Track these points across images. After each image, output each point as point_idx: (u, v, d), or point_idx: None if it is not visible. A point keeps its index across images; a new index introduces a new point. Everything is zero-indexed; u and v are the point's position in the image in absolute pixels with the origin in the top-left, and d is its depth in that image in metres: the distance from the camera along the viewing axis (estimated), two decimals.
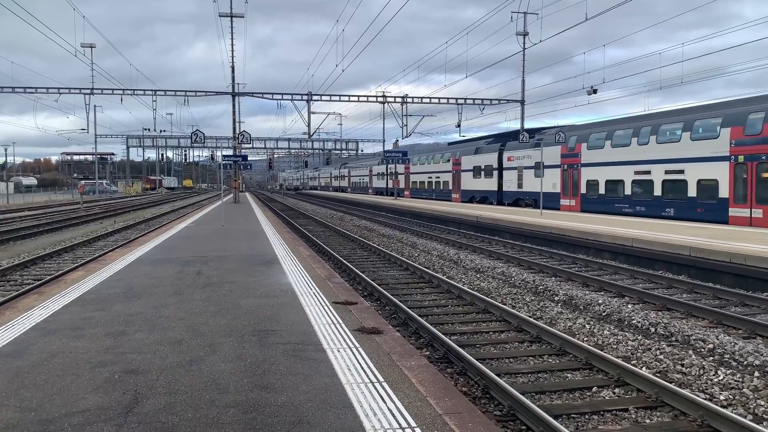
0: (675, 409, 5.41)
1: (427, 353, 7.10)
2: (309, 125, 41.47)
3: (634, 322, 8.72)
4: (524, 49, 37.04)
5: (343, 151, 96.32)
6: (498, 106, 42.38)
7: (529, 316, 8.80)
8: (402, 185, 53.12)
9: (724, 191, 19.30)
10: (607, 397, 5.82)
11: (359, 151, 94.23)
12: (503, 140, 36.81)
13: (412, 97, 43.24)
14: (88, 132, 44.11)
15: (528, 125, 39.08)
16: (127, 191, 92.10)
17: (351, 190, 75.13)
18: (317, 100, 41.10)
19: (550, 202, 27.59)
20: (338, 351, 5.36)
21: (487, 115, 44.30)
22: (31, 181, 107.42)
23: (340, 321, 6.53)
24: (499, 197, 35.25)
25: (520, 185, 32.64)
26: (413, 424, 3.80)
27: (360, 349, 5.43)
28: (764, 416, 5.36)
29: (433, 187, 47.06)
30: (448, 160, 43.65)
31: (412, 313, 8.66)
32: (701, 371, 6.53)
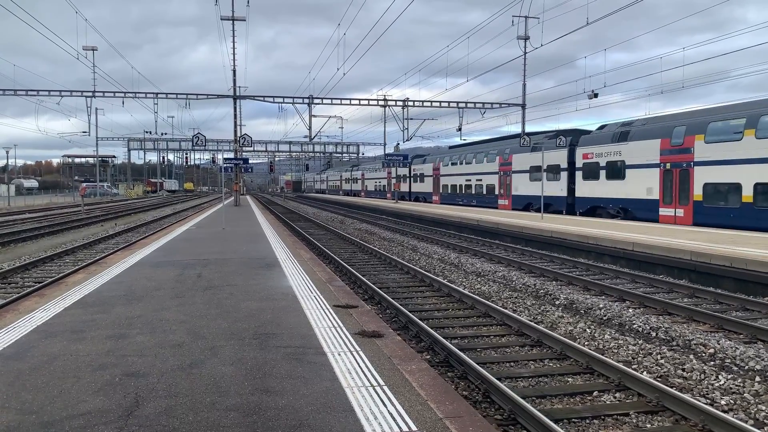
0: (676, 413, 5.41)
1: (428, 357, 7.10)
2: (310, 128, 41.51)
3: (635, 326, 8.71)
4: (525, 53, 37.07)
5: (344, 155, 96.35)
6: (499, 109, 42.39)
7: (530, 320, 8.80)
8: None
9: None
10: (608, 402, 5.81)
11: (360, 155, 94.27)
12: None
13: (413, 101, 43.26)
14: (89, 134, 44.25)
15: (529, 129, 39.08)
16: (128, 194, 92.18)
17: (441, 200, 43.91)
18: (318, 104, 41.09)
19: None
20: (339, 354, 5.36)
21: (488, 119, 44.42)
22: (32, 183, 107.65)
23: (341, 324, 6.53)
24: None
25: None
26: (414, 428, 3.80)
27: (361, 353, 5.43)
28: (765, 421, 5.35)
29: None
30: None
31: (412, 316, 8.66)
32: (702, 376, 6.53)
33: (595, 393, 5.99)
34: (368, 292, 11.19)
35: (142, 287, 8.72)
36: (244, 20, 37.21)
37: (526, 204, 32.03)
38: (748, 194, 18.49)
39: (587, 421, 5.34)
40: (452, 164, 43.57)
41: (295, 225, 28.09)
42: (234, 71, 37.67)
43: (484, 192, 38.28)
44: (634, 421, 5.35)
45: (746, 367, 6.81)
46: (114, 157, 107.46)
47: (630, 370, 6.33)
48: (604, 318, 9.30)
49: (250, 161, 32.48)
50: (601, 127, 28.24)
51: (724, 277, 11.62)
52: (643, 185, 23.20)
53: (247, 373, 4.77)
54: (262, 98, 40.27)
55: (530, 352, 7.48)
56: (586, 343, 7.85)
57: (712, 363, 7.04)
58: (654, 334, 8.33)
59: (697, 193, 20.45)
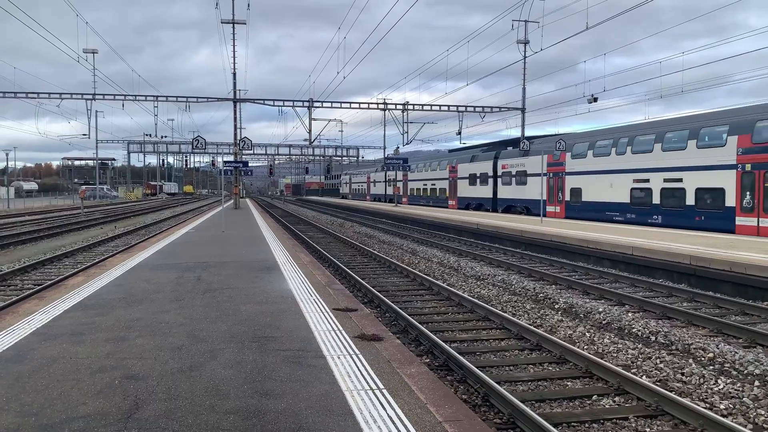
0: (675, 418, 5.41)
1: (428, 360, 7.10)
2: (310, 132, 41.62)
3: (634, 330, 8.71)
4: (525, 57, 37.17)
5: (344, 158, 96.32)
6: (499, 113, 42.49)
7: (530, 324, 8.80)
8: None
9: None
10: (607, 406, 5.81)
11: (360, 158, 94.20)
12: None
13: (413, 105, 43.41)
14: (89, 137, 44.29)
15: (529, 133, 39.18)
16: (127, 196, 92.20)
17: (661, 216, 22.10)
18: (318, 107, 41.21)
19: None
20: (338, 358, 5.36)
21: (488, 122, 44.37)
22: (32, 185, 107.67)
23: (340, 328, 6.53)
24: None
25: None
26: (413, 431, 3.80)
27: (360, 356, 5.44)
28: (764, 425, 5.35)
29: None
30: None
31: (412, 320, 8.66)
32: (701, 380, 6.53)
33: (595, 397, 5.99)
34: (368, 296, 11.19)
35: (142, 290, 8.73)
36: (245, 23, 37.33)
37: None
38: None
39: (586, 425, 5.34)
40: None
41: (295, 228, 28.09)
42: (234, 74, 37.77)
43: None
44: (634, 425, 5.35)
45: (745, 372, 6.81)
46: (114, 159, 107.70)
47: (629, 374, 6.33)
48: (604, 322, 9.31)
49: (249, 164, 32.55)
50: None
51: (724, 281, 11.62)
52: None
53: (247, 376, 4.78)
54: (262, 101, 40.35)
55: (529, 356, 7.48)
56: (585, 347, 7.85)
57: (712, 367, 7.04)
58: (653, 338, 8.33)
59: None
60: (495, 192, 34.68)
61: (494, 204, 34.77)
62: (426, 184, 47.59)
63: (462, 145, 45.94)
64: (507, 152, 33.37)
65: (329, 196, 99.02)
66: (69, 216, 38.41)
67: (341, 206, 52.79)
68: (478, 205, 37.23)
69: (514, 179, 32.46)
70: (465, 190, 38.87)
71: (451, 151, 49.33)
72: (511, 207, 32.47)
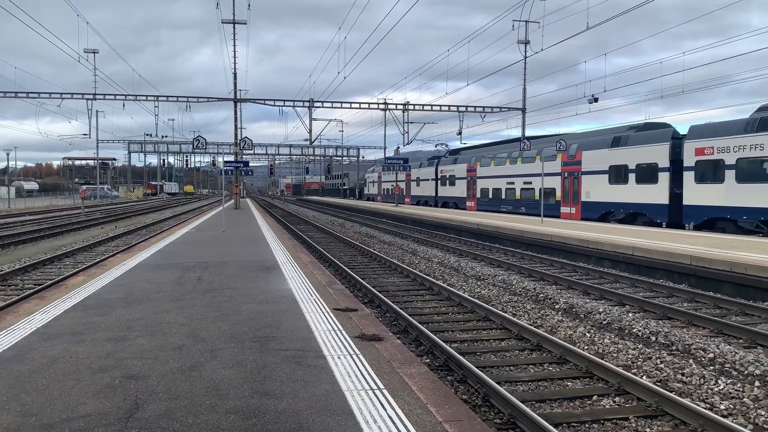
0: (675, 418, 5.41)
1: (428, 361, 7.10)
2: (310, 132, 41.64)
3: (634, 330, 8.71)
4: (525, 57, 37.19)
5: (344, 158, 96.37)
6: (499, 113, 42.51)
7: (530, 324, 8.80)
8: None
9: None
10: (607, 406, 5.81)
11: (360, 158, 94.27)
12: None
13: (413, 105, 43.46)
14: (90, 137, 44.35)
15: (529, 133, 39.17)
16: (128, 196, 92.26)
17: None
18: (319, 107, 41.23)
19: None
20: (339, 358, 5.36)
21: (488, 122, 44.29)
22: (32, 185, 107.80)
23: (341, 328, 6.53)
24: (672, 213, 21.65)
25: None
26: (413, 431, 3.80)
27: (360, 356, 5.44)
28: (764, 426, 5.35)
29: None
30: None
31: (412, 320, 8.66)
32: (702, 380, 6.53)
33: (595, 397, 5.99)
34: (368, 296, 11.19)
35: (142, 290, 8.73)
36: (245, 23, 37.39)
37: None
38: None
39: (587, 425, 5.34)
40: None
41: (295, 228, 28.10)
42: (235, 74, 37.81)
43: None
44: (634, 425, 5.35)
45: (746, 372, 6.81)
46: (114, 159, 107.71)
47: (629, 374, 6.33)
48: (604, 322, 9.30)
49: (250, 164, 32.58)
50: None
51: (724, 281, 11.62)
52: None
53: (247, 376, 4.78)
54: (262, 101, 40.38)
55: (530, 356, 7.48)
56: (585, 348, 7.85)
57: (712, 368, 7.04)
58: (653, 338, 8.33)
59: None
60: (674, 194, 21.57)
61: (672, 213, 21.62)
62: (512, 183, 33.04)
63: (463, 145, 45.92)
64: (710, 127, 20.29)
65: (330, 196, 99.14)
66: (69, 216, 38.42)
67: (342, 206, 52.79)
68: (631, 215, 23.76)
69: (731, 173, 18.92)
70: (599, 190, 24.56)
71: (451, 151, 49.17)
72: (718, 220, 19.69)
